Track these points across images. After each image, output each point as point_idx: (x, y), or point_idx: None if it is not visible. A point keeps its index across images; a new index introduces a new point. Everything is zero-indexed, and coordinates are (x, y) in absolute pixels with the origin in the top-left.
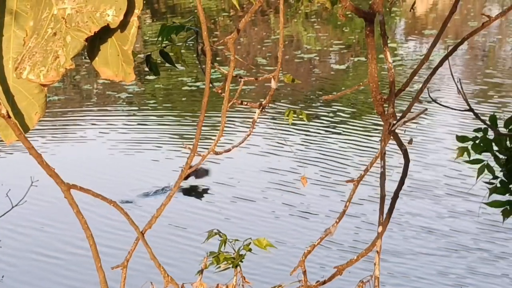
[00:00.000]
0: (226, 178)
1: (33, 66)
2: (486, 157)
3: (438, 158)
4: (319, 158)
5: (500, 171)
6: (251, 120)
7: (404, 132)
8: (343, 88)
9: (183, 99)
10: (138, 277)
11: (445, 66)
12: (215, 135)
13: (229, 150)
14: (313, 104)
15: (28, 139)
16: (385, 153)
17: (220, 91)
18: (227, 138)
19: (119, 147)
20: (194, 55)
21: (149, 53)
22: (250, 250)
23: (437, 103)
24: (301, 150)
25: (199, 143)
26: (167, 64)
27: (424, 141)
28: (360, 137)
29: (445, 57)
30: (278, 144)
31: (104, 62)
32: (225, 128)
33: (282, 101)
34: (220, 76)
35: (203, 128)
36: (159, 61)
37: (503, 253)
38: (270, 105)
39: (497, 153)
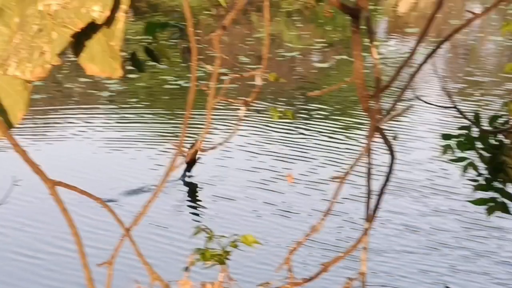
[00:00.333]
0: (207, 177)
1: (19, 63)
2: (470, 154)
3: (419, 156)
4: (300, 156)
5: (485, 168)
6: (232, 118)
7: (389, 128)
8: (324, 87)
9: (165, 97)
10: (120, 277)
11: (426, 65)
12: (199, 133)
13: (215, 147)
14: (295, 103)
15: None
16: (371, 150)
17: (205, 89)
18: (210, 136)
19: (101, 146)
20: (176, 53)
21: (134, 50)
22: (236, 246)
23: (422, 100)
24: (282, 149)
25: (184, 141)
26: (148, 63)
27: (405, 139)
28: (341, 136)
29: (431, 54)
30: (259, 142)
31: (90, 58)
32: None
33: (263, 99)
34: (203, 74)
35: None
36: (142, 59)
37: (484, 251)
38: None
39: (481, 151)
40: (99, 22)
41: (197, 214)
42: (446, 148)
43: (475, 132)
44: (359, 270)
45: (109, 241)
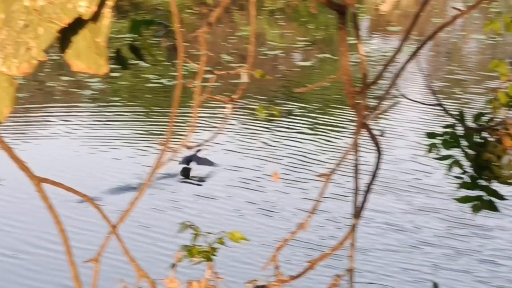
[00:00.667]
0: (191, 175)
1: (5, 59)
2: (455, 152)
3: (401, 154)
4: (281, 155)
5: (469, 166)
6: (213, 115)
7: (374, 125)
8: (307, 85)
9: (148, 96)
10: (104, 278)
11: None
12: (184, 131)
13: (201, 145)
14: (278, 101)
15: None
16: (358, 146)
17: (191, 86)
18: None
19: (83, 145)
20: (159, 52)
21: (119, 48)
22: (223, 243)
23: (407, 98)
24: (264, 147)
25: (163, 141)
26: (131, 61)
27: (387, 137)
28: (324, 134)
29: (416, 51)
30: (241, 141)
31: (77, 54)
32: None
33: (246, 98)
34: (186, 73)
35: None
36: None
37: (467, 249)
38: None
39: (466, 149)
40: (85, 17)
41: (179, 213)
42: (432, 147)
43: (459, 130)
44: (347, 267)
45: (90, 241)
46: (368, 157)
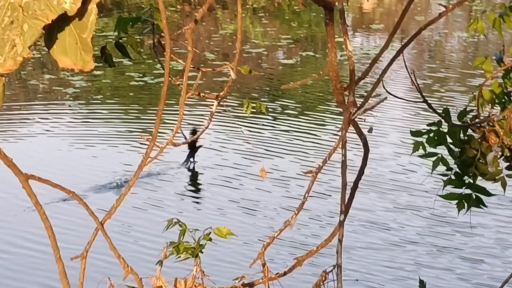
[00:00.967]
0: (171, 174)
1: None
2: (440, 149)
3: (383, 152)
4: (264, 153)
5: (454, 163)
6: (196, 112)
7: (365, 120)
8: (291, 83)
9: (131, 94)
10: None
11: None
12: (168, 128)
13: (187, 142)
14: (261, 99)
15: None
16: (346, 142)
17: (177, 83)
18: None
19: (66, 143)
20: (141, 50)
21: (104, 45)
22: (210, 240)
23: (393, 95)
24: (246, 145)
25: (149, 137)
26: (114, 59)
27: (369, 135)
28: (306, 132)
29: (402, 48)
30: (223, 139)
31: (62, 50)
32: (173, 122)
33: (229, 95)
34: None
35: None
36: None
37: (448, 247)
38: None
39: (451, 146)
40: (70, 14)
41: (161, 212)
42: (417, 145)
43: (444, 127)
44: (334, 263)
45: (70, 240)
46: (349, 154)
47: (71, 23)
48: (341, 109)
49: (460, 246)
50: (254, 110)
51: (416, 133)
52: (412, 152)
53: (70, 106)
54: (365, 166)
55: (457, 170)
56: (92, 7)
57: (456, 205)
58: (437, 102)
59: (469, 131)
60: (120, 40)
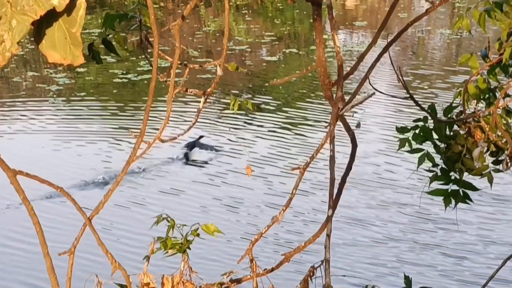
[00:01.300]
0: (155, 171)
1: None
2: (425, 145)
3: (366, 149)
4: (248, 149)
5: (440, 158)
6: (179, 109)
7: (353, 116)
8: (275, 79)
9: (114, 91)
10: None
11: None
12: (154, 125)
13: (174, 138)
14: (245, 96)
15: None
16: (334, 137)
17: (165, 79)
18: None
19: (49, 139)
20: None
21: (92, 41)
22: (198, 235)
23: (379, 91)
24: (229, 142)
25: (137, 133)
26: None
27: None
28: (289, 129)
29: (389, 44)
30: (206, 136)
31: (52, 45)
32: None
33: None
34: (151, 68)
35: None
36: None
37: (430, 244)
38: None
39: (436, 141)
40: (59, 10)
41: (143, 210)
42: (403, 142)
43: (430, 123)
44: (324, 257)
45: (54, 238)
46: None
47: (60, 18)
48: (323, 106)
49: (443, 243)
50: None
51: (402, 129)
52: (398, 149)
53: (53, 103)
54: (353, 161)
55: (443, 166)
56: (81, 2)
57: (442, 201)
58: (419, 99)
59: (455, 127)
60: (108, 37)
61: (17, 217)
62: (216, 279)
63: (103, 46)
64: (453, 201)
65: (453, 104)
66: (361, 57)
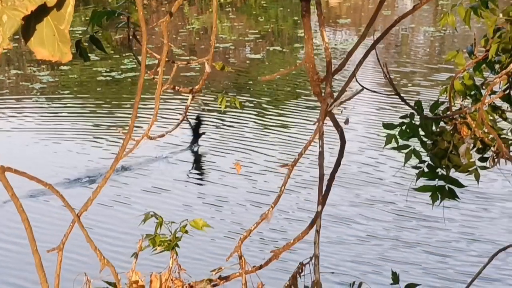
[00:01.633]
0: (138, 170)
1: None
2: (412, 142)
3: (350, 146)
4: (232, 147)
5: (427, 155)
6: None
7: (341, 112)
8: (259, 77)
9: (98, 89)
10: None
11: (358, 55)
12: (141, 123)
13: (163, 135)
14: (229, 93)
15: None
16: (323, 133)
17: (152, 76)
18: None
19: (32, 138)
20: (107, 45)
21: (79, 39)
22: (186, 232)
23: (367, 88)
24: (213, 140)
25: (125, 130)
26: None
27: (333, 130)
28: (272, 127)
29: (376, 41)
30: (189, 134)
31: (40, 42)
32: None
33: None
34: (135, 66)
35: (128, 115)
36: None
37: (414, 241)
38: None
39: (423, 138)
40: (50, 5)
41: (127, 208)
42: (390, 138)
43: (416, 120)
44: (313, 253)
45: (39, 238)
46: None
47: (48, 14)
48: (307, 104)
49: (426, 241)
50: (219, 105)
51: (388, 126)
52: (385, 145)
53: (36, 101)
54: (341, 158)
55: (430, 162)
56: None
57: (430, 197)
58: (405, 96)
59: (441, 123)
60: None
61: (0, 216)
62: (199, 278)
63: (87, 43)
64: (440, 198)
65: (439, 101)
66: (350, 53)
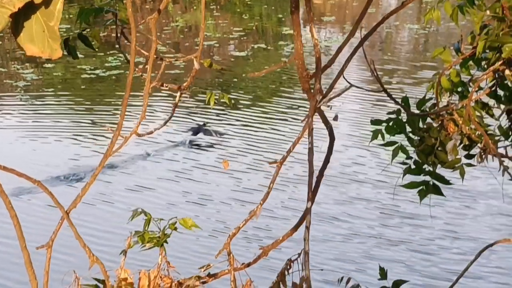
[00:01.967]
0: (121, 168)
1: None
2: (399, 138)
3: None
4: (215, 145)
5: (414, 151)
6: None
7: (330, 108)
8: (244, 75)
9: (82, 87)
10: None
11: (342, 53)
12: (125, 120)
13: (151, 133)
14: (213, 91)
15: None
16: (312, 130)
17: (141, 73)
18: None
19: (16, 135)
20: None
21: (68, 36)
22: (175, 229)
23: (354, 85)
24: (197, 138)
25: (113, 127)
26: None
27: (318, 127)
28: (257, 125)
29: (364, 38)
30: (175, 131)
31: (29, 38)
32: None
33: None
34: (119, 63)
35: (116, 112)
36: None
37: (398, 239)
38: (168, 92)
39: (410, 134)
40: (37, 1)
41: (110, 207)
42: (376, 134)
43: (403, 116)
44: (303, 249)
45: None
46: (299, 148)
47: (37, 11)
48: (291, 101)
49: (410, 238)
50: (201, 104)
51: (375, 122)
52: (371, 140)
53: (20, 99)
54: (330, 154)
55: (417, 158)
56: None
57: (417, 193)
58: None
59: (428, 120)
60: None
61: None
62: (183, 277)
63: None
64: (427, 195)
65: (426, 97)
66: (339, 50)
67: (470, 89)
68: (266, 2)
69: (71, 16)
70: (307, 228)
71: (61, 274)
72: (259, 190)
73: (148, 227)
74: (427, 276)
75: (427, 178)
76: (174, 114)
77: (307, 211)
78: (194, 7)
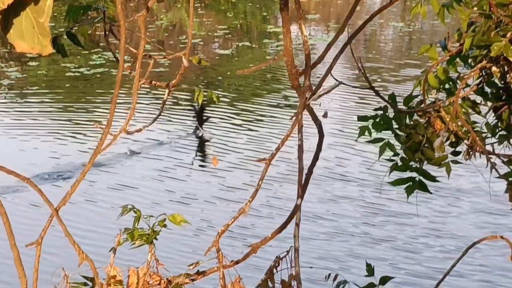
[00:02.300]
0: (104, 167)
1: None
2: (386, 135)
3: (316, 142)
4: (199, 144)
5: (401, 148)
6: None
7: (320, 105)
8: (228, 73)
9: (67, 85)
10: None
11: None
12: (114, 119)
13: (140, 130)
14: (199, 89)
15: None
16: (302, 126)
17: (129, 71)
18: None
19: (0, 134)
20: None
21: (57, 34)
22: (165, 226)
23: (342, 83)
24: (181, 136)
25: (102, 125)
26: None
27: (305, 125)
28: (241, 123)
29: (352, 36)
30: (160, 130)
31: (20, 35)
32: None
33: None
34: (104, 62)
35: (104, 109)
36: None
37: (382, 237)
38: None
39: (397, 131)
40: None
41: (93, 206)
42: (363, 130)
43: (390, 113)
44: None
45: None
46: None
47: (27, 7)
48: (276, 100)
49: (394, 236)
50: (186, 102)
51: (362, 118)
52: (358, 137)
53: (5, 97)
54: (319, 151)
55: (403, 155)
56: None
57: (404, 190)
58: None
59: (415, 117)
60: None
61: None
62: (171, 275)
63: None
64: (414, 191)
65: (413, 94)
66: (329, 46)
67: (457, 86)
68: (250, 0)
69: (55, 14)
70: (297, 225)
71: (47, 273)
72: (244, 189)
73: (137, 224)
74: (411, 274)
75: (414, 174)
76: (156, 112)
77: (297, 208)
78: (178, 5)
